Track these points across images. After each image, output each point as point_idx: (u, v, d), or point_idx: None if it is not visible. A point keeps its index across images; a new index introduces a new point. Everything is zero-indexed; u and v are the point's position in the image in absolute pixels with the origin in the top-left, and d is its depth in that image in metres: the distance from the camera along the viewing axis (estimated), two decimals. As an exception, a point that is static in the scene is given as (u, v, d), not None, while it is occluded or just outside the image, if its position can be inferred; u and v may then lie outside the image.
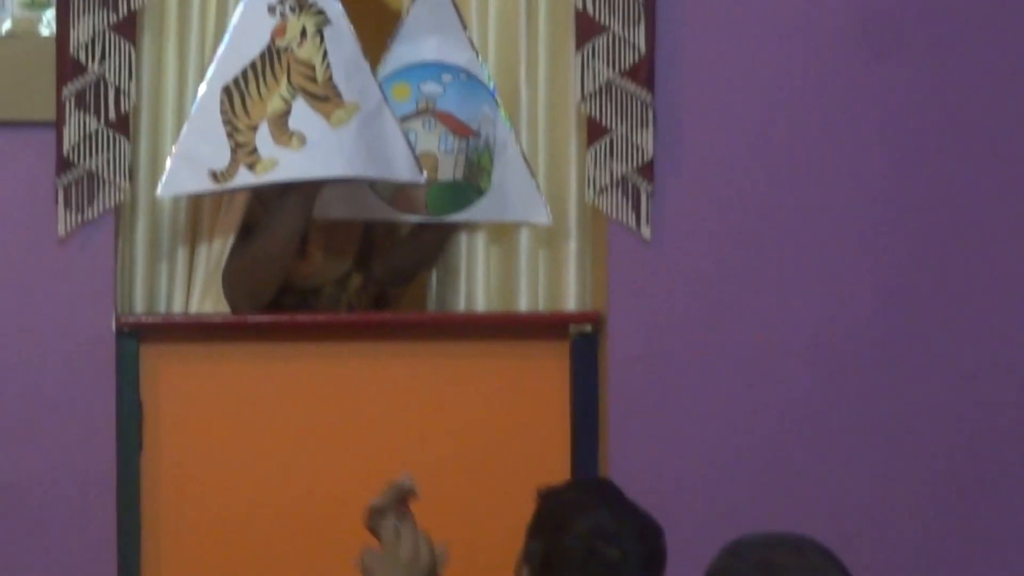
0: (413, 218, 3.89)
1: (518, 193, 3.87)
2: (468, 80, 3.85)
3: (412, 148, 3.73)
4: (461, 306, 3.91)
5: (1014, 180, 3.94)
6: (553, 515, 2.90)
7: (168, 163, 3.63)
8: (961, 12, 3.90)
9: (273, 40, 3.66)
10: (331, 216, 3.82)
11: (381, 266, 4.05)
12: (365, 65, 3.71)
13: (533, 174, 3.84)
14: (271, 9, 3.65)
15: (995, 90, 3.94)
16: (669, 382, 3.85)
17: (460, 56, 3.83)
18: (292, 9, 3.66)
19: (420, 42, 3.84)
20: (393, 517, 2.62)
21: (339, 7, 3.68)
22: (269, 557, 3.63)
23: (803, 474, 3.89)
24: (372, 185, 3.76)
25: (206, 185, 3.66)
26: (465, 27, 3.81)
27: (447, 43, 3.83)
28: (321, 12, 3.70)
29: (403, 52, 3.83)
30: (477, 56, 3.80)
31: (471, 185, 3.86)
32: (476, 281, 3.91)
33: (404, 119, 3.74)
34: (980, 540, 3.94)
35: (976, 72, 3.92)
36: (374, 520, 2.63)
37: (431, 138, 3.82)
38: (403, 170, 3.72)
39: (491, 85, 3.83)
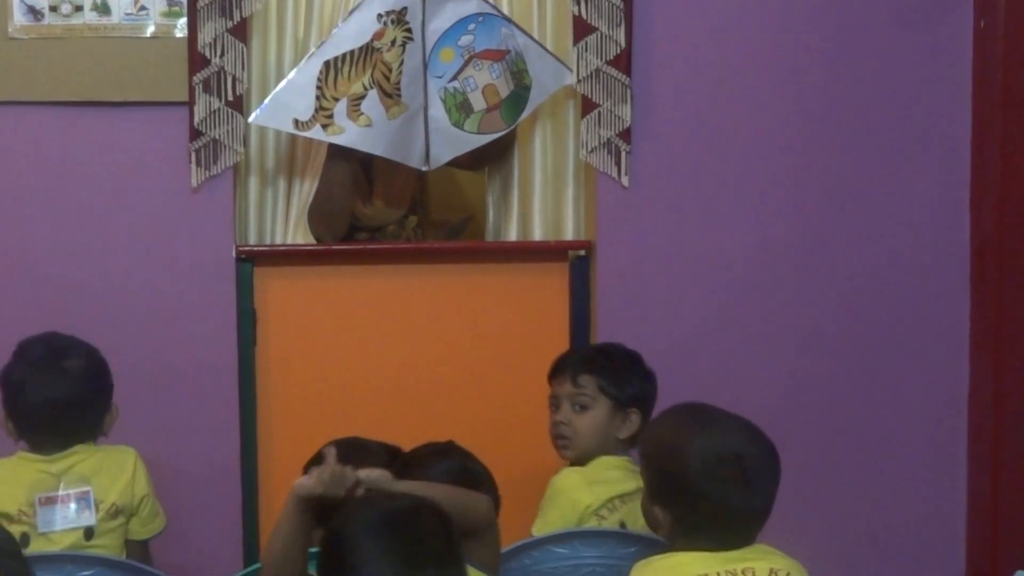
0: (502, 131, 4.31)
1: (548, 72, 4.31)
2: (484, 19, 4.25)
3: (427, 144, 4.23)
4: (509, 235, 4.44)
5: (896, 136, 4.50)
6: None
7: (265, 101, 4.13)
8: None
9: (372, 40, 4.12)
10: (442, 158, 4.27)
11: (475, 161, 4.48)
12: (422, 77, 4.21)
13: (547, 52, 4.31)
14: (379, 17, 4.11)
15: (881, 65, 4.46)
16: (643, 291, 4.37)
17: (471, 6, 4.24)
18: (392, 22, 4.12)
19: (441, 14, 4.22)
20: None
21: (419, 28, 4.17)
22: (349, 421, 3.88)
23: (742, 348, 4.44)
24: (460, 126, 4.24)
25: (288, 127, 4.15)
26: None
27: (459, 2, 4.23)
28: (409, 30, 4.16)
29: (434, 27, 4.22)
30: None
31: (521, 88, 4.29)
32: (511, 217, 4.49)
33: (459, 71, 4.23)
34: (877, 398, 4.52)
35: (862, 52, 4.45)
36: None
37: (484, 74, 4.25)
38: (416, 160, 4.27)
39: (497, 11, 4.27)
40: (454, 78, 4.26)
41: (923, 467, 4.57)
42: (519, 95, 4.32)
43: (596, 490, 3.39)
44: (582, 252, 4.43)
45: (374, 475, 2.78)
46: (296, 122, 4.14)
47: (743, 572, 2.61)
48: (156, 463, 3.49)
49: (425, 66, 4.24)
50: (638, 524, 3.11)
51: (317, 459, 3.04)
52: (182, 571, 3.74)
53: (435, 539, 2.25)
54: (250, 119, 4.16)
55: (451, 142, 4.29)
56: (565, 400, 3.60)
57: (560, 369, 3.67)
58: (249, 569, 3.21)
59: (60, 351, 3.48)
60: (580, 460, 3.58)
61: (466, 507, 2.65)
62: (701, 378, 4.29)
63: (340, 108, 4.16)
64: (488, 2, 4.28)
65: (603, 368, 3.64)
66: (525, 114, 4.34)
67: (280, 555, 2.79)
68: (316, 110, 4.14)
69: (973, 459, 4.54)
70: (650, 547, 2.92)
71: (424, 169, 4.35)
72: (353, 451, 3.03)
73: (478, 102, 4.28)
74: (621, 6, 4.26)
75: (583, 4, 4.27)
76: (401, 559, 2.19)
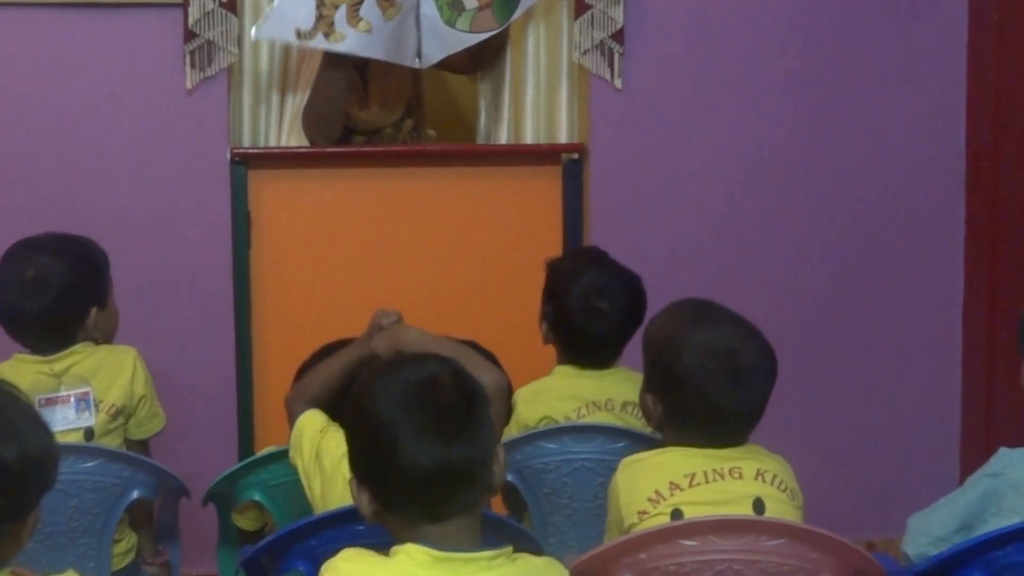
0: (494, 30, 4.31)
1: None
2: None
3: (419, 40, 4.22)
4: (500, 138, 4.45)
5: (893, 39, 4.53)
6: (557, 280, 3.37)
7: (266, 11, 4.14)
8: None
9: None
10: (434, 56, 4.27)
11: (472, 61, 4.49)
12: None
13: None
14: None
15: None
16: (636, 194, 4.43)
17: None
18: None
19: None
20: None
21: None
22: (339, 320, 3.73)
23: (737, 251, 4.48)
24: (452, 24, 4.24)
25: (290, 38, 4.15)
26: None
27: None
28: None
29: None
30: None
31: None
32: (502, 118, 4.50)
33: None
34: (873, 300, 4.58)
35: None
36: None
37: None
38: (408, 58, 4.28)
39: None
40: None
41: (918, 367, 4.63)
42: None
43: None
44: (575, 155, 4.46)
45: (392, 316, 2.99)
46: (298, 32, 4.15)
47: (730, 472, 2.63)
48: (152, 365, 3.47)
49: None
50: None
51: (311, 361, 3.08)
52: (177, 472, 3.75)
53: (462, 407, 2.18)
54: (252, 33, 4.17)
55: (443, 40, 4.29)
56: None
57: None
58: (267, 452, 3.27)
59: (39, 254, 3.37)
60: None
61: (477, 367, 2.62)
62: (695, 281, 4.26)
63: (340, 15, 4.17)
64: (484, -102, 4.28)
65: None
66: (517, 14, 4.34)
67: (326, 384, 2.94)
68: (317, 19, 4.15)
69: (967, 357, 4.61)
70: (640, 443, 2.96)
71: (415, 66, 4.36)
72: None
73: (470, 0, 4.28)
74: (615, -97, 4.24)
75: (576, -99, 4.26)
76: (436, 433, 2.13)
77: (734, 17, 4.44)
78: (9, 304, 3.36)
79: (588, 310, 3.27)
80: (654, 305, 3.09)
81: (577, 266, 3.40)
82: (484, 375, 2.56)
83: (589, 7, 4.33)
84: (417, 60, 4.32)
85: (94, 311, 3.42)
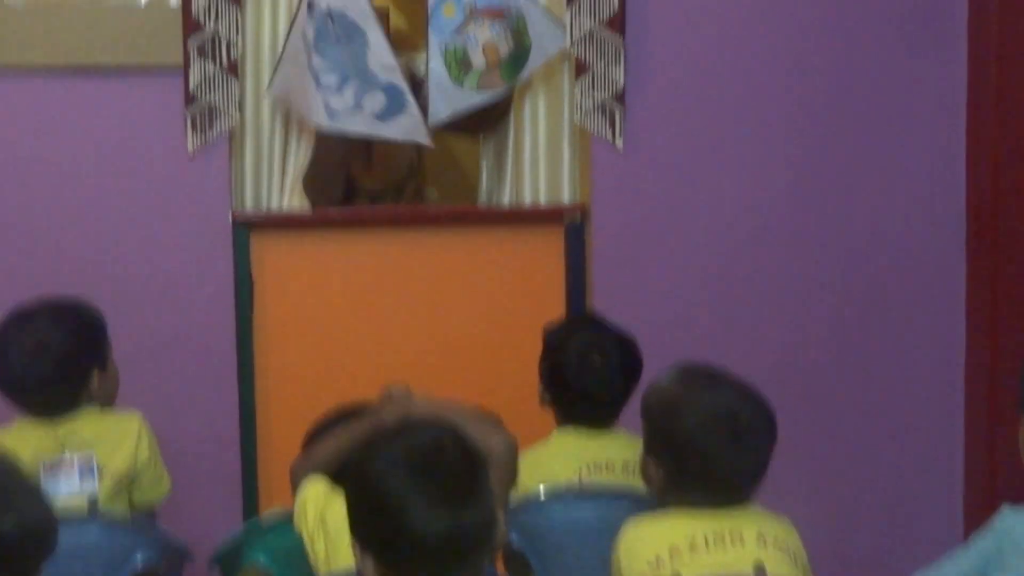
0: (501, 93, 4.33)
1: (548, 34, 4.30)
2: None
3: (427, 101, 4.24)
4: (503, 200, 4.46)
5: (891, 96, 4.50)
6: (553, 340, 3.41)
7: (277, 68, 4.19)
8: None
9: None
10: (441, 115, 4.27)
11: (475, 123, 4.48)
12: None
13: (548, 14, 4.31)
14: None
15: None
16: (639, 255, 4.39)
17: None
18: None
19: None
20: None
21: None
22: (343, 382, 4.00)
23: (739, 311, 4.45)
24: (460, 82, 4.26)
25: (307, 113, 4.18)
26: None
27: None
28: None
29: None
30: None
31: (521, 48, 4.29)
32: (504, 179, 4.49)
33: (461, 27, 4.23)
34: (874, 356, 4.54)
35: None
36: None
37: (485, 31, 4.26)
38: (420, 134, 4.29)
39: None
40: (456, 34, 4.27)
41: (920, 426, 4.60)
42: (519, 55, 4.33)
43: None
44: (577, 216, 4.45)
45: (402, 388, 2.96)
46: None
47: (731, 534, 2.62)
48: (155, 429, 3.42)
49: (427, 21, 4.27)
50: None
51: (317, 428, 3.07)
52: (181, 536, 3.71)
53: (465, 472, 2.19)
54: (269, 88, 4.22)
55: (450, 99, 4.30)
56: None
57: None
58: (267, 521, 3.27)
59: (37, 321, 3.37)
60: None
61: (487, 432, 2.65)
62: (698, 342, 4.31)
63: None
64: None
65: None
66: (526, 73, 4.35)
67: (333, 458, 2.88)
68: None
69: (970, 416, 4.58)
70: (642, 504, 2.94)
71: (422, 142, 4.37)
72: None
73: (478, 59, 4.29)
74: (614, -35, 4.27)
75: (575, -36, 4.27)
76: (444, 499, 2.14)
77: (735, 77, 4.45)
78: (10, 373, 3.36)
79: (582, 367, 3.31)
80: (658, 366, 3.08)
81: (572, 327, 3.50)
82: (494, 439, 2.60)
83: (590, 68, 4.33)
84: (426, 135, 4.32)
85: (95, 374, 3.42)
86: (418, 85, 4.36)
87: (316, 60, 4.13)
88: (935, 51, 4.50)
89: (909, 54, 4.50)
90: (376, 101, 4.22)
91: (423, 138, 4.31)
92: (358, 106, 4.20)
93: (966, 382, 4.58)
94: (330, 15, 4.15)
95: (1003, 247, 4.44)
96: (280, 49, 4.26)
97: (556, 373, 3.36)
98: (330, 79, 4.17)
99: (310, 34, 4.15)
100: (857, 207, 4.53)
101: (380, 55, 4.21)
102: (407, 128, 4.27)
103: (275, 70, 4.22)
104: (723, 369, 2.80)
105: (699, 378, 2.78)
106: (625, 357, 3.33)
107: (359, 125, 4.24)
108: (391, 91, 4.23)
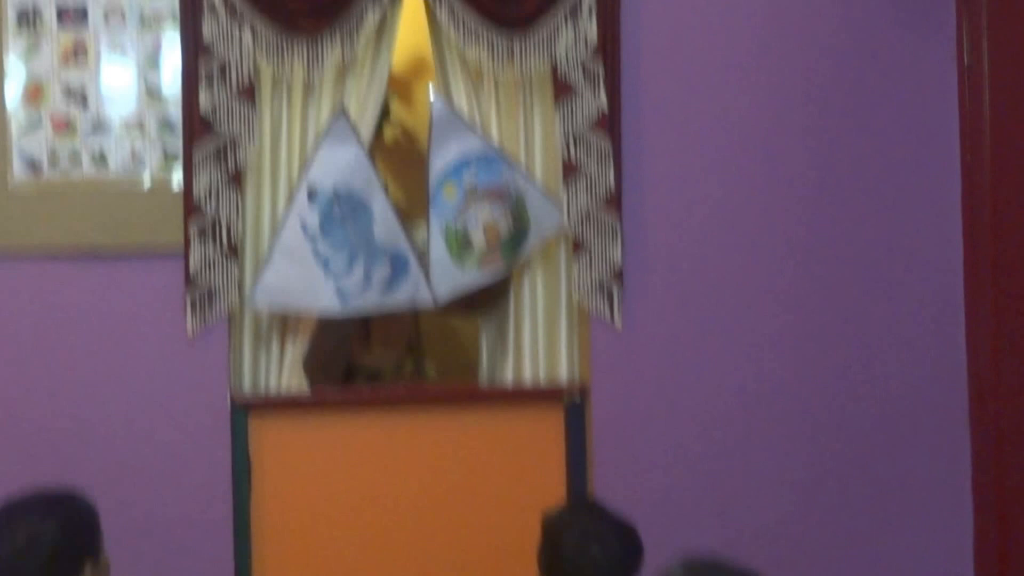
0: (501, 272, 4.38)
1: (547, 215, 4.36)
2: (486, 158, 4.32)
3: (428, 281, 4.26)
4: (504, 379, 4.44)
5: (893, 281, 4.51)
6: (551, 529, 3.32)
7: (264, 278, 4.19)
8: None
9: None
10: (443, 295, 4.30)
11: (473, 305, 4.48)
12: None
13: (546, 196, 4.35)
14: None
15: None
16: (637, 433, 4.37)
17: (474, 145, 4.32)
18: None
19: (445, 151, 4.31)
20: None
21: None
22: (342, 565, 4.01)
23: (740, 493, 4.41)
24: (461, 263, 4.29)
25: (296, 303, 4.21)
26: (468, 124, 4.33)
27: (462, 141, 4.31)
28: None
29: (437, 163, 4.31)
30: (482, 138, 4.32)
31: (521, 228, 4.35)
32: (506, 358, 4.48)
33: (461, 208, 4.28)
34: (879, 538, 4.48)
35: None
36: None
37: (486, 212, 4.31)
38: (422, 302, 4.31)
39: (500, 153, 4.34)
40: (456, 214, 4.30)
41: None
42: (518, 236, 4.37)
43: None
44: (577, 396, 4.44)
45: None
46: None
47: None
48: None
49: (428, 201, 4.31)
50: None
51: None
52: None
53: None
54: (252, 298, 4.25)
55: (452, 279, 4.32)
56: None
57: None
58: None
59: (28, 516, 3.32)
60: None
61: None
62: (700, 525, 4.33)
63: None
64: (493, 145, 4.37)
65: None
66: (526, 253, 4.39)
67: None
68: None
69: (979, 544, 4.54)
70: None
71: (428, 308, 4.39)
72: None
73: (479, 240, 4.31)
74: (610, 148, 4.32)
75: (572, 146, 4.34)
76: None
77: (731, 258, 4.47)
78: (1, 568, 3.31)
79: (581, 558, 3.23)
80: (657, 552, 3.07)
81: (570, 515, 3.39)
82: None
83: (588, 247, 4.36)
84: (430, 298, 4.33)
85: (88, 567, 3.37)
86: (419, 254, 4.37)
87: (323, 246, 4.16)
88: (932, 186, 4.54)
89: (909, 204, 4.54)
90: (383, 271, 4.23)
91: (427, 303, 4.32)
92: (367, 283, 4.22)
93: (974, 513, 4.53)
94: (336, 196, 4.19)
95: (1004, 407, 4.40)
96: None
97: (555, 564, 3.29)
98: (339, 262, 4.19)
99: (314, 222, 4.18)
100: (857, 386, 4.51)
101: (385, 223, 4.26)
102: (411, 294, 4.29)
103: (259, 277, 4.22)
104: (729, 560, 2.73)
105: (706, 573, 2.70)
106: (625, 547, 3.25)
107: (369, 302, 4.25)
108: (396, 258, 4.26)
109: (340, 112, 4.23)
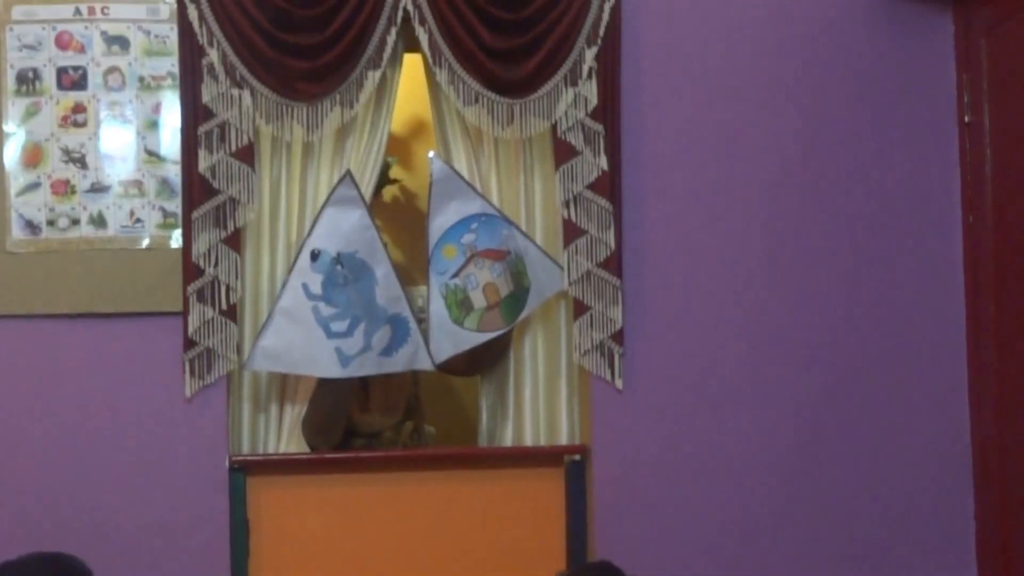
0: (501, 331, 4.36)
1: (547, 275, 4.37)
2: (487, 219, 4.35)
3: (427, 341, 4.28)
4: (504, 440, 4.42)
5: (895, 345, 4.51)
6: None
7: (261, 344, 4.20)
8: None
9: None
10: (441, 355, 4.31)
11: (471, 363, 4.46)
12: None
13: (546, 256, 4.37)
14: None
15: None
16: (641, 496, 4.35)
17: (474, 206, 4.35)
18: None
19: (445, 211, 4.34)
20: None
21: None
22: None
23: (745, 545, 4.39)
24: (460, 323, 4.31)
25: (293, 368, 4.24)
26: (470, 184, 4.35)
27: (463, 202, 4.34)
28: None
29: (437, 224, 4.35)
30: (482, 199, 4.35)
31: (521, 288, 4.35)
32: (507, 419, 4.47)
33: (461, 268, 4.31)
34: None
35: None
36: None
37: (485, 272, 4.34)
38: (421, 362, 4.32)
39: (500, 213, 4.35)
40: (456, 275, 4.31)
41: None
42: (518, 296, 4.37)
43: None
44: (577, 456, 4.41)
45: None
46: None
47: None
48: None
49: (428, 262, 4.31)
50: None
51: None
52: None
53: None
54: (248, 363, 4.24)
55: (451, 339, 4.32)
56: None
57: None
58: None
59: None
60: None
61: None
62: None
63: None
64: (493, 206, 4.38)
65: None
66: (524, 314, 4.38)
67: None
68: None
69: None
70: None
71: (427, 368, 4.37)
72: None
73: (478, 300, 4.31)
74: (610, 209, 4.33)
75: (573, 207, 4.34)
76: None
77: (731, 317, 4.46)
78: None
79: None
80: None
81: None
82: None
83: (588, 308, 4.35)
84: (429, 360, 4.32)
85: None
86: (419, 317, 4.37)
87: (325, 309, 4.17)
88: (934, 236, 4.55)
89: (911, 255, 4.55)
90: (383, 336, 4.23)
91: (426, 365, 4.32)
92: (368, 346, 4.21)
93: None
94: (339, 260, 4.19)
95: (1009, 499, 4.37)
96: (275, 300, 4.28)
97: None
98: (341, 325, 4.19)
99: (316, 284, 4.19)
100: (862, 443, 4.50)
101: (388, 288, 4.26)
102: (410, 357, 4.29)
103: (259, 338, 4.22)
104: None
105: None
106: None
107: (368, 367, 4.24)
108: (396, 322, 4.26)
109: (346, 176, 4.24)
